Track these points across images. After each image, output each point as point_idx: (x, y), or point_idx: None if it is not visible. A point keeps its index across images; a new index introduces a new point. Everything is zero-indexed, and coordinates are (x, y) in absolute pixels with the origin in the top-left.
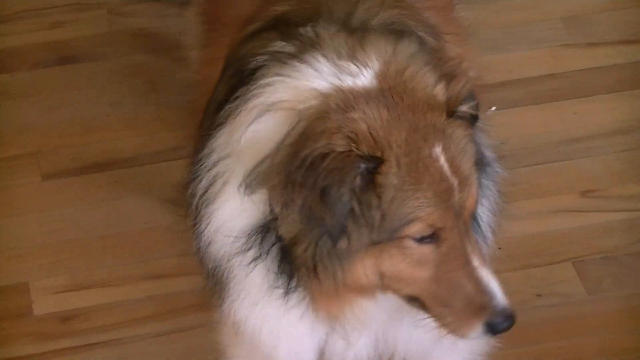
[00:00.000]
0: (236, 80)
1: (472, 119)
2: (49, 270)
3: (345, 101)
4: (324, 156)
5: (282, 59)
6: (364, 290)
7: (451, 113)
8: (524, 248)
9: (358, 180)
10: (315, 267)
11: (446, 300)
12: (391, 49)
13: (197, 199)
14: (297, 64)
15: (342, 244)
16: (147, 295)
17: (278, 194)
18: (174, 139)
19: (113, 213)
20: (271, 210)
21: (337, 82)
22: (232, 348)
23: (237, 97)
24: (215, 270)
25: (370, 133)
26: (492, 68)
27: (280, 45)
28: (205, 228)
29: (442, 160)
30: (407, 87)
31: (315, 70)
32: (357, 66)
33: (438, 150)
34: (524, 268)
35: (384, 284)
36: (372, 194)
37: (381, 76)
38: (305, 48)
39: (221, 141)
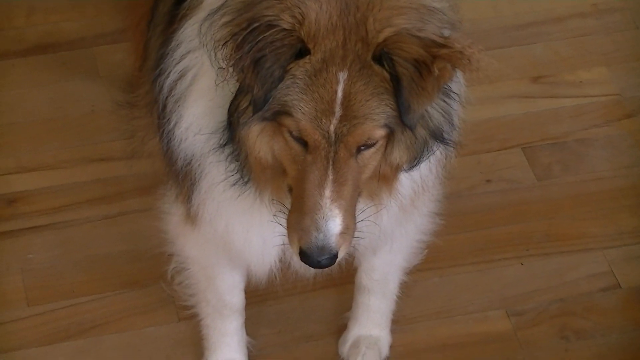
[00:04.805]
0: None
1: (395, 80)
2: None
3: None
4: (268, 27)
5: None
6: (268, 169)
7: (377, 57)
8: (474, 133)
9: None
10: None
11: (294, 205)
12: None
13: (164, 95)
14: None
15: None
16: (93, 179)
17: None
18: (119, 22)
19: (59, 95)
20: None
21: None
22: (181, 238)
23: None
24: (185, 168)
25: (315, 24)
26: None
27: None
28: (175, 126)
29: (340, 87)
30: (371, 8)
31: None
32: None
33: (342, 76)
34: (473, 154)
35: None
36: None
37: None
38: None
39: (189, 32)
